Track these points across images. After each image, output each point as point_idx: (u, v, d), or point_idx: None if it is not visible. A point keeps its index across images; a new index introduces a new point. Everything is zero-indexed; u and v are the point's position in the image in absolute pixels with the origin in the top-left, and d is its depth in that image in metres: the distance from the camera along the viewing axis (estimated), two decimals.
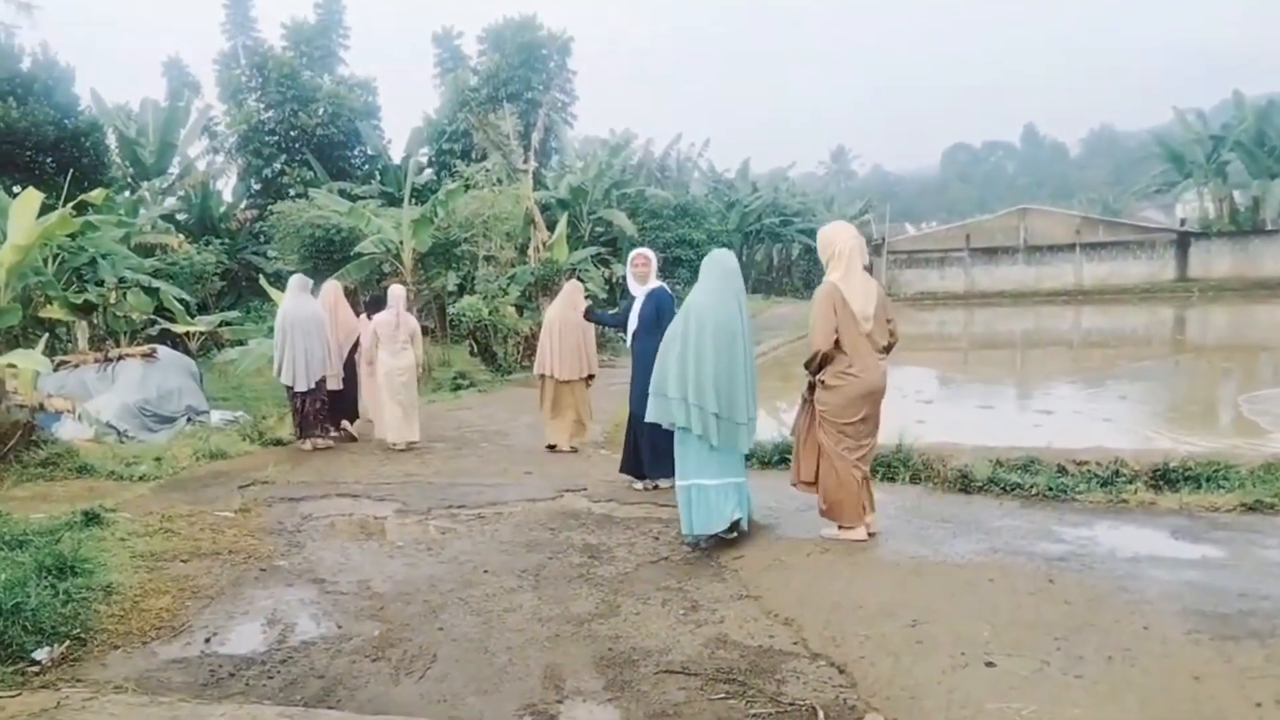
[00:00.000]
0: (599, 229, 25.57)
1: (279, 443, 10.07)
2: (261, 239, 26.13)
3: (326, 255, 21.18)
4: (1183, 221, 41.92)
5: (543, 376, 9.42)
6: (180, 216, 27.61)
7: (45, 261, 13.28)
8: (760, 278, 45.09)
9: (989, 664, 3.89)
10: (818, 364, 5.72)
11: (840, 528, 5.80)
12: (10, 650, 4.10)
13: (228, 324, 17.93)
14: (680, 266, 26.91)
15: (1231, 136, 39.55)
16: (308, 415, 9.83)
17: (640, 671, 3.95)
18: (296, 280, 10.16)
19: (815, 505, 6.05)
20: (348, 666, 4.10)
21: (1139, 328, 27.08)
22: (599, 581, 5.17)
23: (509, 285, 18.40)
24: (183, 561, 5.65)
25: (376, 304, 10.74)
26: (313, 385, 9.79)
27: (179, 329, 15.01)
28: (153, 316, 14.88)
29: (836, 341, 5.62)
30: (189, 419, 11.20)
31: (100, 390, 11.03)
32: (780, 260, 43.94)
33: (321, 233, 21.22)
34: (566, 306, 9.43)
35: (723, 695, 3.69)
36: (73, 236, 13.00)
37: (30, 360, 8.62)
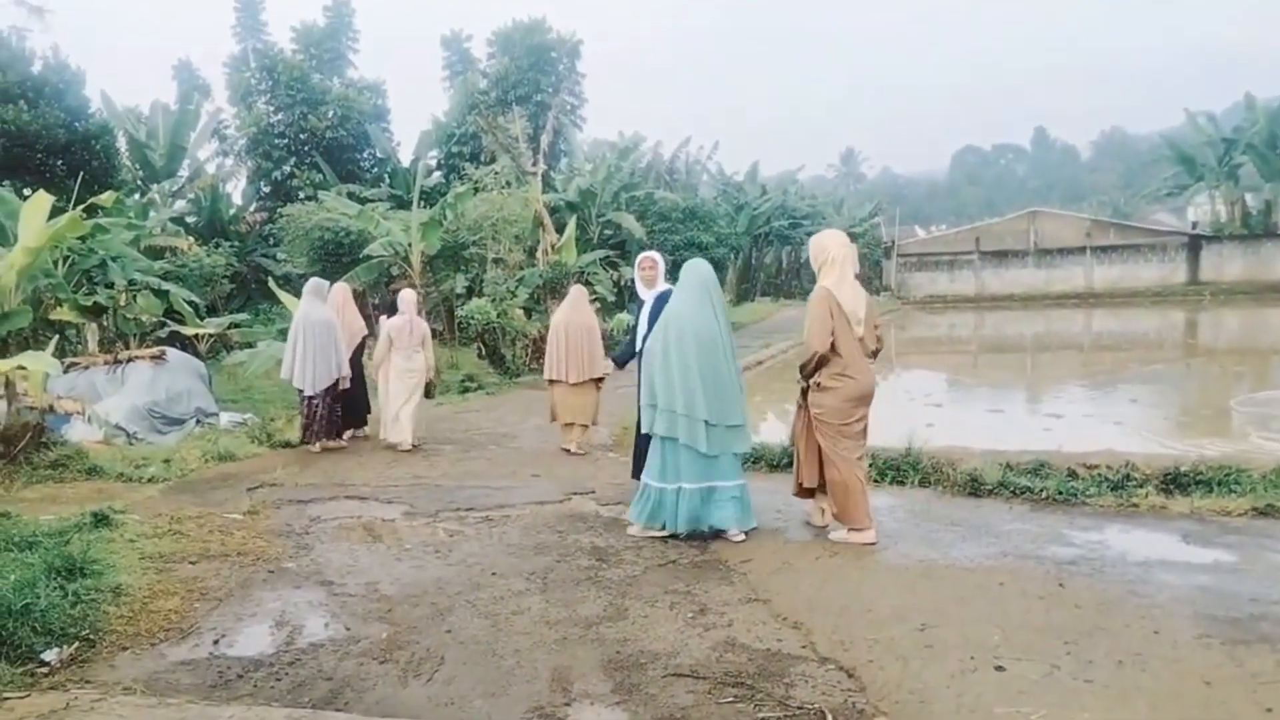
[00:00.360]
0: (608, 232, 25.58)
1: (287, 445, 10.08)
2: (271, 242, 26.21)
3: (335, 258, 21.23)
4: (1194, 224, 41.77)
5: (552, 381, 9.45)
6: (190, 219, 27.71)
7: (55, 264, 13.35)
8: (769, 280, 45.06)
9: (999, 668, 3.87)
10: (814, 367, 5.81)
11: (850, 530, 5.80)
12: (19, 651, 4.10)
13: (237, 326, 17.98)
14: None
15: (1243, 139, 39.40)
16: (319, 418, 9.86)
17: (648, 675, 3.94)
18: (311, 284, 10.24)
19: (824, 509, 6.16)
20: (355, 668, 4.10)
21: (1150, 331, 26.97)
22: (607, 584, 5.16)
23: (517, 288, 18.43)
24: (191, 563, 5.66)
25: (394, 308, 10.77)
26: (323, 389, 9.81)
27: (188, 331, 15.05)
28: (162, 319, 14.93)
29: (832, 344, 5.71)
30: (198, 421, 11.22)
31: (110, 392, 11.07)
32: (789, 263, 43.87)
33: (330, 235, 21.27)
34: (573, 311, 9.46)
35: (731, 699, 3.68)
36: (83, 239, 13.05)
37: (40, 362, 8.64)
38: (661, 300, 7.28)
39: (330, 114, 29.04)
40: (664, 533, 6.01)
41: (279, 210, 24.46)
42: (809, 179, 62.08)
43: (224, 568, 5.61)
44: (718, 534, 5.95)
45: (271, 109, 29.34)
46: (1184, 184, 44.95)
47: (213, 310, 19.82)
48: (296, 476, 8.51)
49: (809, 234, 43.07)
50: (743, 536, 5.91)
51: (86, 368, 11.68)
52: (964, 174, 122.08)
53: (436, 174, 29.45)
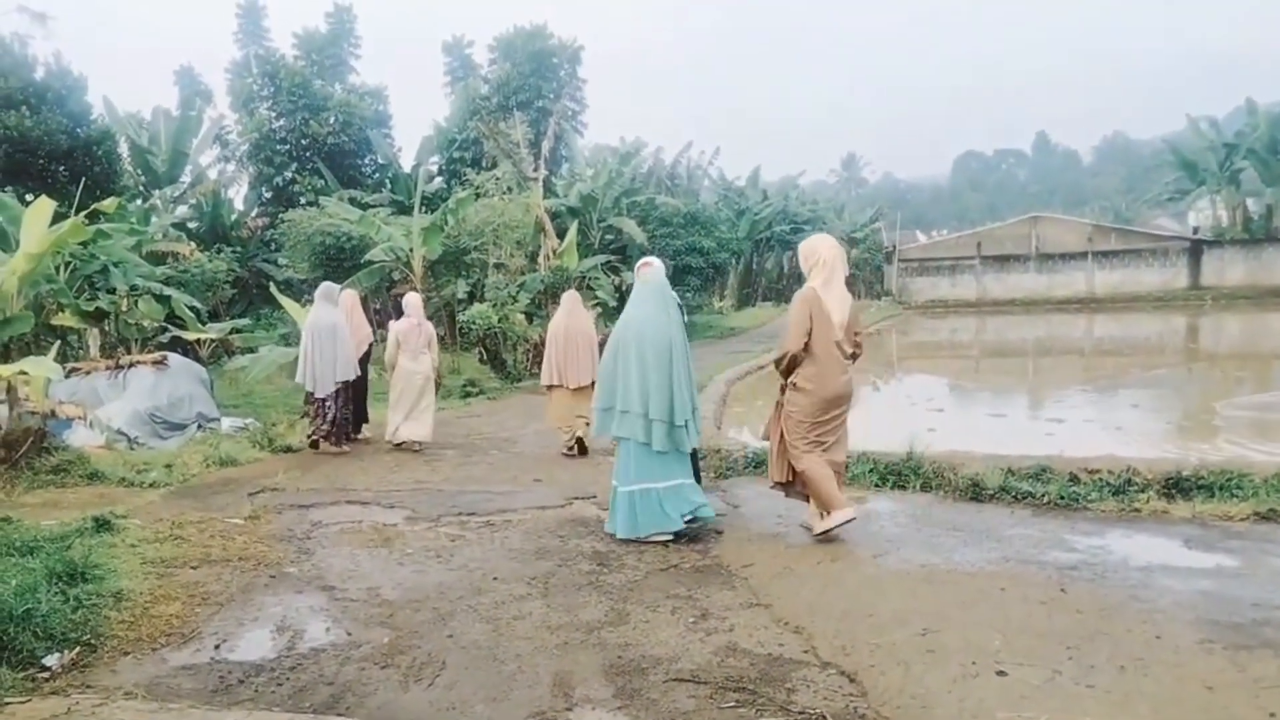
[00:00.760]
0: (609, 237, 25.57)
1: (289, 450, 10.10)
2: (272, 247, 26.24)
3: (337, 263, 21.26)
4: (1196, 229, 41.75)
5: (550, 387, 9.49)
6: (191, 225, 27.74)
7: (58, 269, 13.37)
8: (770, 285, 45.03)
9: (1000, 673, 3.87)
10: (787, 365, 5.95)
11: (824, 517, 5.94)
12: (21, 656, 4.11)
13: (238, 331, 18.00)
14: (690, 274, 26.89)
15: (1245, 144, 39.40)
16: (330, 420, 9.98)
17: (650, 679, 3.93)
18: (321, 289, 10.48)
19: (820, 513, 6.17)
20: (357, 673, 4.10)
21: (1152, 336, 26.95)
22: (608, 589, 5.16)
23: (519, 293, 18.44)
24: (193, 568, 5.66)
25: (402, 313, 11.01)
26: (330, 391, 9.94)
27: (190, 336, 15.07)
28: (164, 324, 14.95)
29: (807, 345, 5.84)
30: (199, 426, 11.23)
31: (111, 397, 11.06)
32: (791, 268, 43.79)
33: (332, 241, 21.30)
34: (570, 316, 9.51)
35: (732, 704, 3.68)
36: (85, 244, 13.07)
37: (42, 367, 8.65)
38: None
39: (332, 120, 29.09)
40: (668, 536, 6.06)
41: (280, 216, 24.49)
42: (810, 184, 62.16)
43: (225, 572, 5.61)
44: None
45: (273, 115, 29.39)
46: (1185, 189, 44.93)
47: (214, 315, 19.83)
48: (298, 481, 8.51)
49: None
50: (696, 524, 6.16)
51: (88, 373, 11.67)
52: (966, 179, 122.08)
53: (438, 179, 29.48)
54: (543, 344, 17.09)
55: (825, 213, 45.94)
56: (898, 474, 7.40)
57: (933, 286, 40.86)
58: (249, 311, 24.59)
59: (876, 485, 7.34)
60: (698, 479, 7.20)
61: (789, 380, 6.01)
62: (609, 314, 19.74)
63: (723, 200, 39.35)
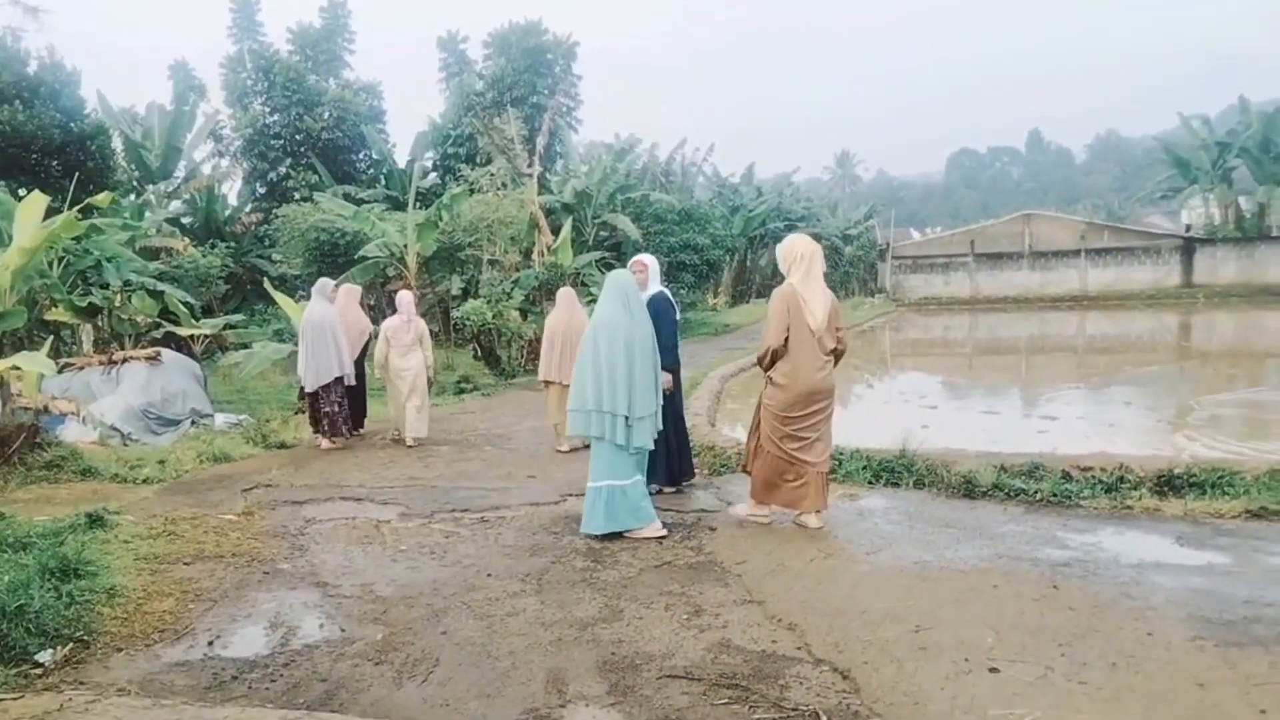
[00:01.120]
0: (603, 233, 25.55)
1: (283, 446, 10.09)
2: (266, 242, 26.19)
3: (331, 259, 21.23)
4: (1188, 227, 41.79)
5: (548, 383, 9.51)
6: (185, 220, 27.69)
7: (51, 264, 13.32)
8: (765, 283, 45.01)
9: (993, 670, 3.88)
10: (769, 361, 6.14)
11: (750, 509, 6.35)
12: (13, 652, 4.10)
13: (232, 327, 17.95)
14: (685, 271, 26.88)
15: (1237, 142, 39.45)
16: (326, 414, 10.02)
17: (643, 676, 3.94)
18: (316, 284, 10.57)
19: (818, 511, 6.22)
20: (350, 670, 4.10)
21: (1144, 333, 27.00)
22: (602, 586, 5.16)
23: (513, 289, 18.43)
24: (186, 564, 5.66)
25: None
26: (322, 386, 9.97)
27: (184, 332, 15.03)
28: (157, 319, 14.91)
29: (785, 340, 6.02)
30: (193, 422, 11.21)
31: (105, 393, 11.05)
32: None
33: (326, 236, 21.27)
34: (567, 314, 9.52)
35: (726, 700, 3.69)
36: (78, 239, 13.03)
37: (35, 362, 8.63)
38: (654, 302, 7.30)
39: (326, 115, 29.02)
40: (662, 531, 6.13)
41: (275, 211, 24.46)
42: (805, 181, 62.04)
43: (219, 569, 5.60)
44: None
45: (267, 110, 29.31)
46: (1178, 187, 45.00)
47: (208, 311, 19.80)
48: (292, 478, 8.51)
49: None
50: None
51: (81, 368, 11.66)
52: (959, 176, 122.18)
53: (432, 175, 29.42)
54: (537, 340, 17.18)
55: (819, 210, 45.93)
56: (891, 471, 7.41)
57: (926, 284, 40.89)
58: (243, 307, 24.54)
59: (870, 482, 7.35)
60: (675, 477, 7.29)
61: (768, 375, 6.22)
62: None
63: (717, 197, 39.33)
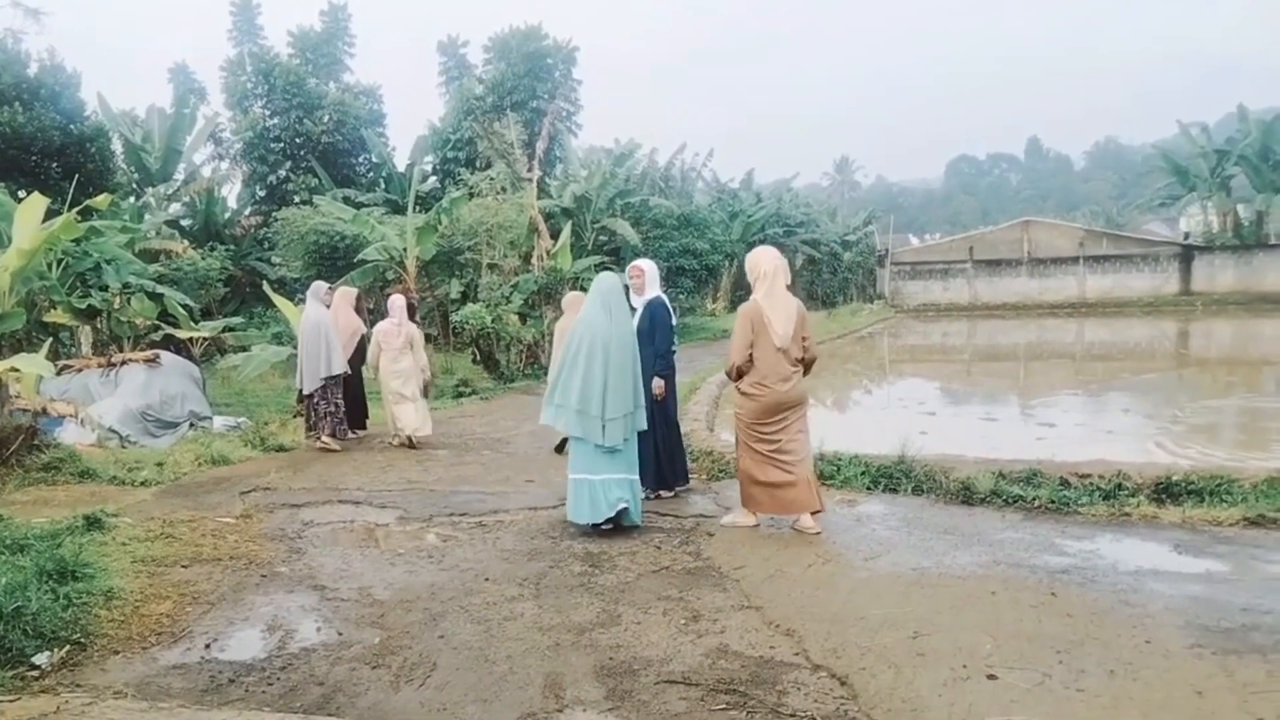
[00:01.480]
0: (603, 238, 25.56)
1: (281, 449, 10.08)
2: (266, 245, 26.16)
3: (330, 262, 21.22)
4: (1186, 235, 41.92)
5: None
6: (185, 222, 27.65)
7: (50, 266, 13.31)
8: None
9: (991, 676, 3.88)
10: (736, 374, 6.34)
11: (737, 516, 6.48)
12: (10, 654, 4.09)
13: (231, 330, 17.93)
14: (684, 276, 26.89)
15: (1236, 150, 39.55)
16: (321, 414, 10.06)
17: (641, 681, 3.94)
18: (312, 288, 10.68)
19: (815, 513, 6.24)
20: (348, 673, 4.09)
21: (1142, 341, 27.03)
22: (600, 590, 5.16)
23: (512, 293, 18.43)
24: (183, 567, 5.65)
25: (410, 310, 11.55)
26: (320, 387, 10.04)
27: (183, 334, 15.01)
28: (156, 322, 14.89)
29: (751, 355, 6.20)
30: (191, 424, 11.20)
31: (103, 395, 11.03)
32: None
33: (326, 239, 21.26)
34: (574, 316, 9.53)
35: (723, 706, 3.68)
36: (77, 241, 13.02)
37: (33, 364, 8.62)
38: (651, 307, 7.31)
39: (326, 118, 29.00)
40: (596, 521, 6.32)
41: (274, 214, 24.44)
42: (804, 186, 62.07)
43: (216, 572, 5.60)
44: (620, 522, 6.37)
45: (267, 113, 29.29)
46: (1176, 194, 45.08)
47: (207, 314, 19.77)
48: (290, 480, 8.50)
49: (804, 241, 42.58)
50: (627, 524, 6.39)
51: (80, 370, 11.64)
52: (958, 183, 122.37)
53: (432, 179, 29.42)
54: (536, 345, 17.21)
55: (819, 215, 45.88)
56: (889, 477, 7.41)
57: (925, 290, 40.96)
58: (242, 310, 24.50)
59: (868, 488, 7.36)
60: (667, 481, 7.29)
61: (737, 387, 6.42)
62: None
63: (716, 202, 39.32)
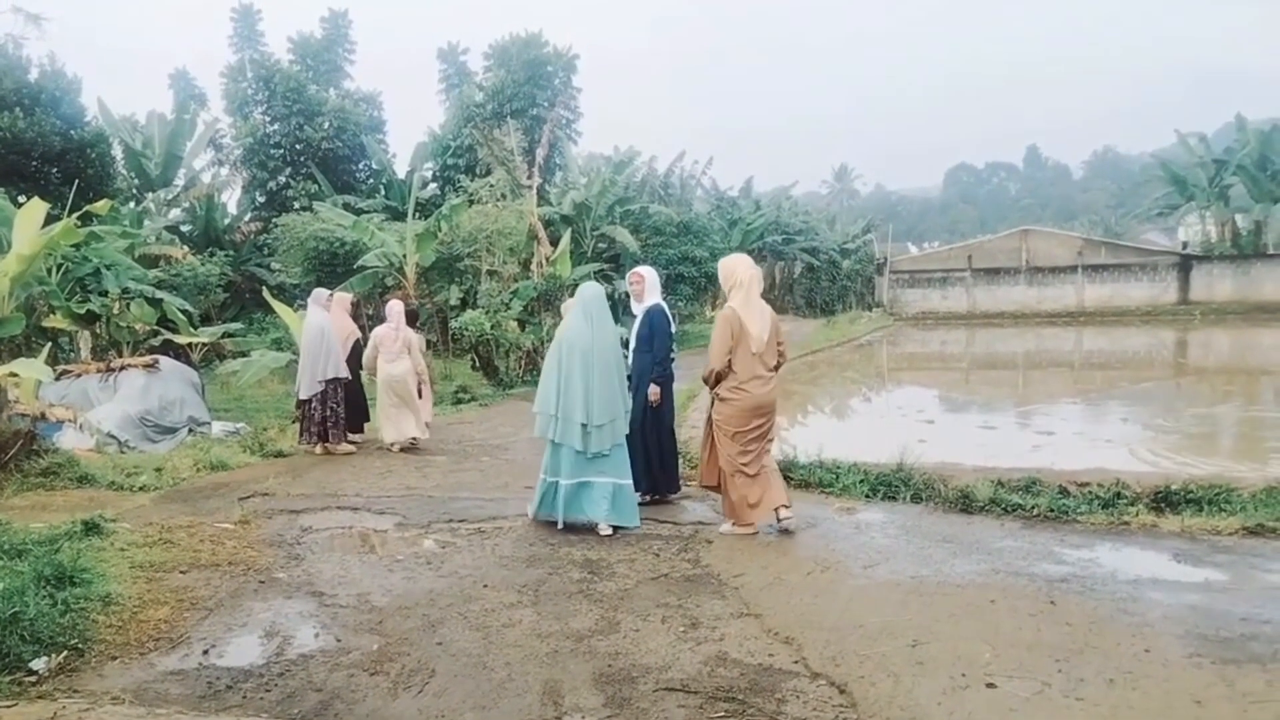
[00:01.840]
0: (602, 245, 25.58)
1: (280, 454, 10.07)
2: (265, 251, 26.20)
3: (330, 268, 21.25)
4: (1185, 245, 41.94)
5: None
6: (185, 228, 27.68)
7: (50, 271, 13.33)
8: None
9: (990, 685, 3.87)
10: (714, 380, 6.45)
11: (734, 524, 6.46)
12: (8, 660, 4.08)
13: (230, 336, 17.95)
14: (683, 283, 26.90)
15: (1234, 160, 39.64)
16: (316, 420, 10.08)
17: (639, 689, 3.93)
18: (313, 294, 10.75)
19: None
20: (346, 680, 4.08)
21: (1140, 350, 27.06)
22: (599, 598, 5.15)
23: (512, 300, 18.44)
24: (182, 573, 5.64)
25: (414, 316, 11.69)
26: (313, 392, 10.06)
27: (182, 340, 15.02)
28: (155, 327, 14.91)
29: (730, 360, 6.32)
30: (190, 430, 11.20)
31: (102, 400, 11.03)
32: (783, 278, 43.88)
33: (325, 246, 21.29)
34: None
35: (722, 714, 3.68)
36: (77, 247, 13.04)
37: (32, 369, 8.61)
38: (650, 314, 7.31)
39: (326, 125, 29.07)
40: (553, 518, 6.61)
41: (274, 220, 24.48)
42: (803, 194, 62.03)
43: (215, 577, 5.59)
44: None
45: (268, 119, 29.36)
46: (1175, 204, 45.17)
47: (206, 319, 19.79)
48: (288, 486, 8.49)
49: (803, 249, 42.55)
50: (609, 530, 6.48)
51: (79, 375, 11.64)
52: (957, 191, 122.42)
53: (432, 186, 29.47)
54: (535, 351, 17.20)
55: (817, 223, 45.96)
56: (888, 485, 7.41)
57: (924, 298, 41.03)
58: (241, 316, 24.51)
59: (867, 496, 7.35)
60: (658, 487, 7.29)
61: (714, 393, 6.54)
62: None
63: (715, 210, 39.37)
